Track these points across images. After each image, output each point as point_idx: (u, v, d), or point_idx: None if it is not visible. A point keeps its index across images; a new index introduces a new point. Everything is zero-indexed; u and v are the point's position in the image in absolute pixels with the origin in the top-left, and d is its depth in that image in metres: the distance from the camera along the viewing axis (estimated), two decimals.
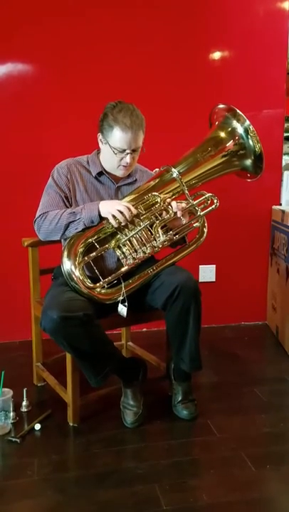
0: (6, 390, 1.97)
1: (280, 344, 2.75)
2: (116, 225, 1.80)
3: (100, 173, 1.98)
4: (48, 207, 1.92)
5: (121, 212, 1.78)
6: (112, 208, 1.79)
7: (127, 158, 1.88)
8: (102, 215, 1.81)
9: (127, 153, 1.87)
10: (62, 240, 1.96)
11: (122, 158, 1.89)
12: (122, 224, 1.81)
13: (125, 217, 1.78)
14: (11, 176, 2.68)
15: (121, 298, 1.84)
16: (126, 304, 1.85)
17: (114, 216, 1.79)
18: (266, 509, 1.55)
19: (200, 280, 2.88)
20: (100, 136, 1.92)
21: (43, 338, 2.24)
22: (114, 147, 1.86)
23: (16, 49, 2.58)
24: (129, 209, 1.79)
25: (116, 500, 1.56)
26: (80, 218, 1.82)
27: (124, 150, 1.86)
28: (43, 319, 1.74)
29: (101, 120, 1.89)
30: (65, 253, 1.80)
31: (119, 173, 1.95)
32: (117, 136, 1.84)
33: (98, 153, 2.02)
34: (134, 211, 1.80)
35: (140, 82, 2.69)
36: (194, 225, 1.96)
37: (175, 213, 1.86)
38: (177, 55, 2.73)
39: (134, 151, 1.88)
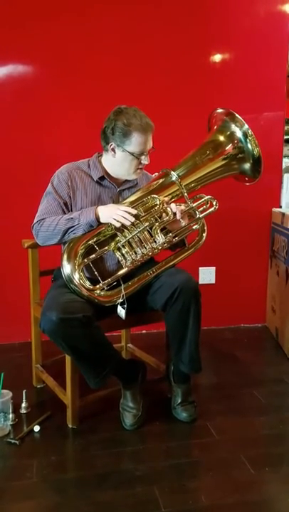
0: (5, 391, 1.98)
1: (279, 346, 2.75)
2: (118, 226, 1.81)
3: (102, 178, 1.98)
4: (46, 214, 1.92)
5: (123, 217, 1.79)
6: (112, 213, 1.80)
7: (146, 159, 1.91)
8: (102, 221, 1.81)
9: (145, 155, 1.90)
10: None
11: (140, 161, 1.91)
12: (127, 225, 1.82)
13: (128, 220, 1.79)
14: (11, 176, 2.68)
15: (120, 300, 1.84)
16: (125, 306, 1.85)
17: (116, 220, 1.79)
18: (265, 511, 1.55)
19: (200, 282, 2.88)
20: (111, 146, 1.89)
21: (43, 340, 2.24)
22: (135, 152, 1.87)
23: (16, 49, 2.59)
24: (129, 212, 1.80)
25: (115, 501, 1.56)
26: (78, 224, 1.82)
27: (143, 152, 1.88)
28: (42, 320, 1.74)
29: (111, 129, 1.86)
30: (65, 256, 1.80)
31: (134, 176, 1.97)
32: (137, 141, 1.85)
33: (99, 156, 2.02)
34: (134, 211, 1.82)
35: (140, 83, 2.69)
36: (194, 227, 1.97)
37: (174, 215, 1.87)
38: (177, 57, 2.74)
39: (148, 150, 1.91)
